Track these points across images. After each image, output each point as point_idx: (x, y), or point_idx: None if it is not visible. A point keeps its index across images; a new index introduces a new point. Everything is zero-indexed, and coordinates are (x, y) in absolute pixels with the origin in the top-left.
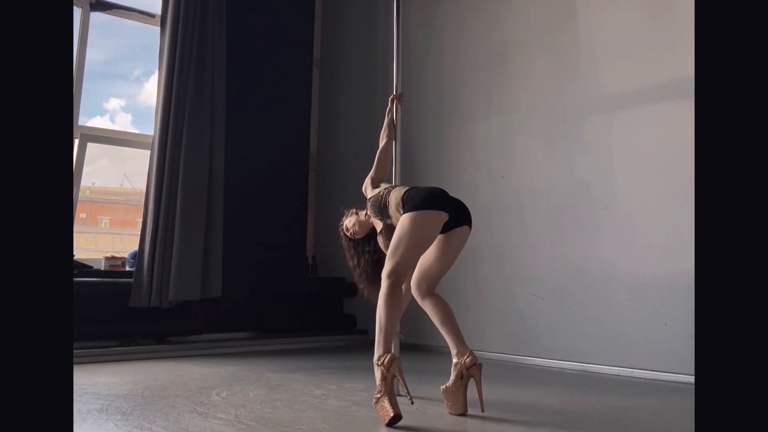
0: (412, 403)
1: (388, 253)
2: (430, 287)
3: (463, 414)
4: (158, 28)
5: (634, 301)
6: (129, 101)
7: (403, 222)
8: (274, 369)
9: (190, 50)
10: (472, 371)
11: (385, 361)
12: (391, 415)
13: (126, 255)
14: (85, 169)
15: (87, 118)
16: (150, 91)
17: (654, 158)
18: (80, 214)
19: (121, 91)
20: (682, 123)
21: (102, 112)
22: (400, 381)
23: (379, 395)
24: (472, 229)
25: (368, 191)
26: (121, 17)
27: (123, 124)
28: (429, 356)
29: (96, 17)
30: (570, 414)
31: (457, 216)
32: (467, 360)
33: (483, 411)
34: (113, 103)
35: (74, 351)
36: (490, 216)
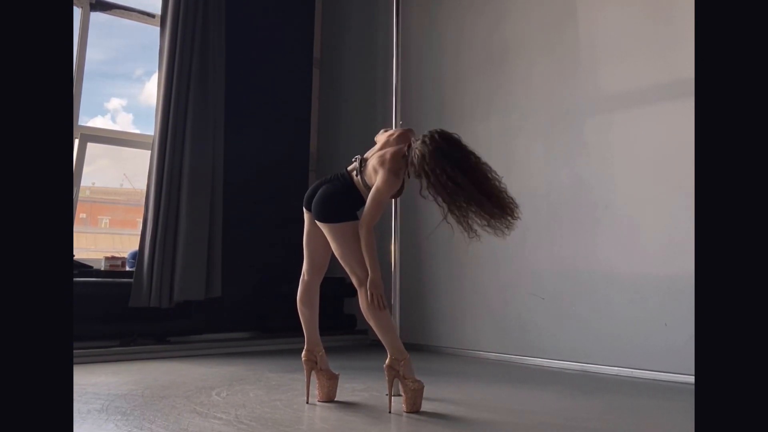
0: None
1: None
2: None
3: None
4: (158, 28)
5: (634, 301)
6: (130, 101)
7: None
8: (274, 369)
9: (190, 50)
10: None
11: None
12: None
13: (126, 255)
14: (85, 169)
15: (88, 118)
16: (151, 90)
17: (654, 158)
18: (80, 214)
19: (122, 90)
20: (682, 123)
21: (103, 112)
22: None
23: None
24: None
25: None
26: (121, 17)
27: (124, 123)
28: (429, 356)
29: (96, 17)
30: (570, 414)
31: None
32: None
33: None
34: (114, 103)
35: (74, 351)
36: None
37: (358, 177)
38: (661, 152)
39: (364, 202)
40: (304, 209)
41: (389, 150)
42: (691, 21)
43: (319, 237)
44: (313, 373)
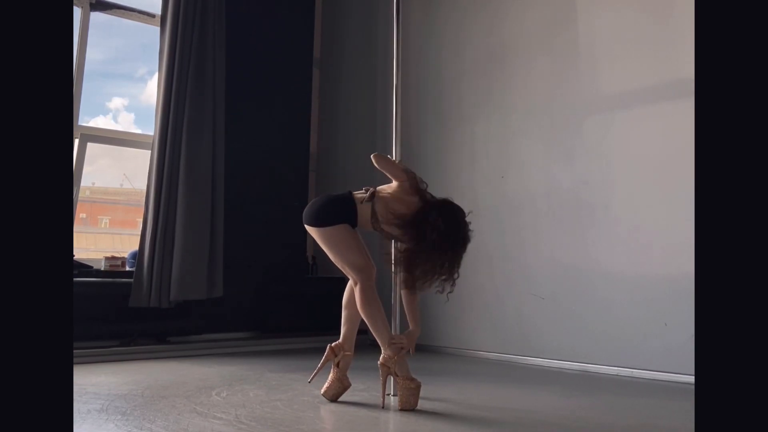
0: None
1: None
2: None
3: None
4: (158, 28)
5: (634, 301)
6: (132, 100)
7: None
8: (274, 369)
9: (190, 50)
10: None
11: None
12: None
13: (126, 255)
14: (86, 169)
15: (89, 118)
16: (153, 90)
17: (654, 158)
18: (80, 214)
19: (123, 90)
20: (682, 123)
21: (105, 112)
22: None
23: None
24: (473, 228)
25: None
26: (121, 17)
27: (126, 123)
28: (429, 356)
29: (96, 17)
30: (570, 414)
31: None
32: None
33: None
34: (116, 103)
35: (74, 351)
36: (489, 216)
37: (364, 204)
38: (661, 152)
39: (355, 218)
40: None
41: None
42: (691, 21)
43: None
44: (331, 365)
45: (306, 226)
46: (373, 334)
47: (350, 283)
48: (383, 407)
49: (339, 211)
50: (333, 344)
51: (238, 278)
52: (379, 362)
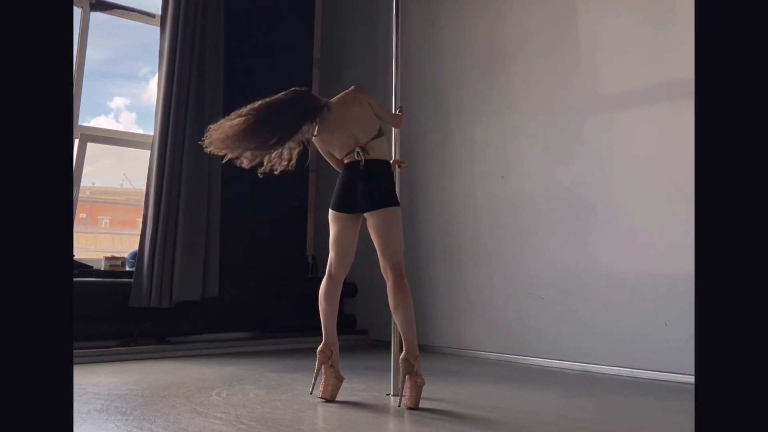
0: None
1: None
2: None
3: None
4: (158, 28)
5: (634, 302)
6: (133, 100)
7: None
8: (274, 369)
9: (190, 50)
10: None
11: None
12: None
13: (126, 255)
14: (86, 169)
15: (91, 117)
16: (154, 90)
17: (654, 158)
18: (80, 214)
19: (125, 90)
20: (682, 123)
21: (106, 111)
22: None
23: None
24: (474, 228)
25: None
26: (121, 17)
27: (127, 123)
28: (429, 356)
29: (96, 17)
30: (570, 414)
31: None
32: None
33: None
34: (117, 102)
35: (74, 351)
36: (489, 216)
37: (367, 154)
38: (661, 152)
39: (390, 175)
40: (337, 212)
41: (350, 109)
42: (691, 21)
43: (350, 236)
44: (323, 367)
45: (376, 211)
46: (403, 331)
47: (333, 279)
48: (400, 405)
49: (390, 183)
50: (320, 349)
51: (238, 278)
52: (401, 358)
